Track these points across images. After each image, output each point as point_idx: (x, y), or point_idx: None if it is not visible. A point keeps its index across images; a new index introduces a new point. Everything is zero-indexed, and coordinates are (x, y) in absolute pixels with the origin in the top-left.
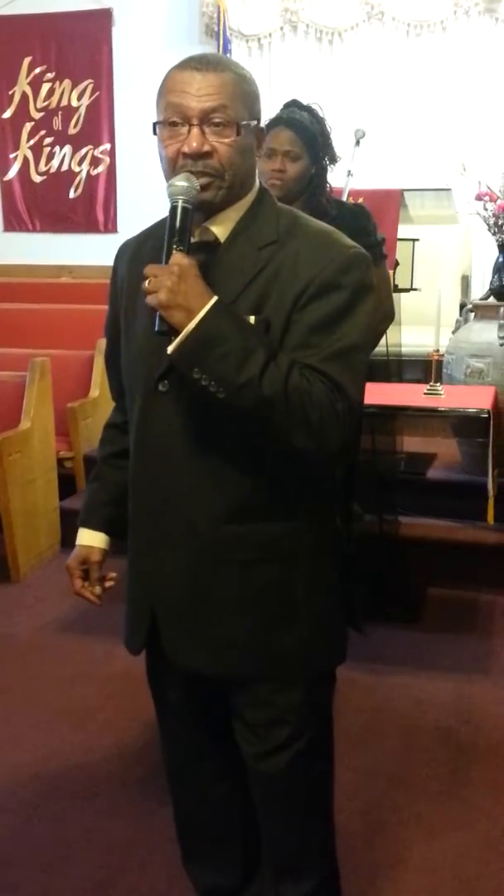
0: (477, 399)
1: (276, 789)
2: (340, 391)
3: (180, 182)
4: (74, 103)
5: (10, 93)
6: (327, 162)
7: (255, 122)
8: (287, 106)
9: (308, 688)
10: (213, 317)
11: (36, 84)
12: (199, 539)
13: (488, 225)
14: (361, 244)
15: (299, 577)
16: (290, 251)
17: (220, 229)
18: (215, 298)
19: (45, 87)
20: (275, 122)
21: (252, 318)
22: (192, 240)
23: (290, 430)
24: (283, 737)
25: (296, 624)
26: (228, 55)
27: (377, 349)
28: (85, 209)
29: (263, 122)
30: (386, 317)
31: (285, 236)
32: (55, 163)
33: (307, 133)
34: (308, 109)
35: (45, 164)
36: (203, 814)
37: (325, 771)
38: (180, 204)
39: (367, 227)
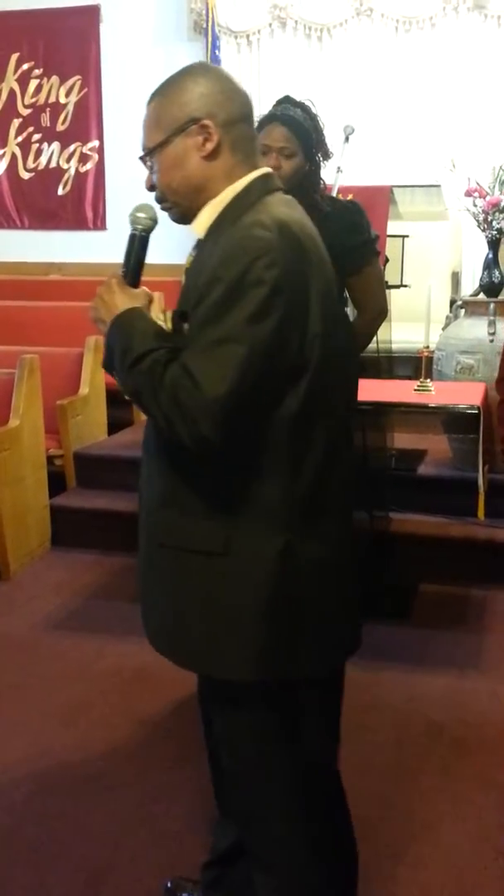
0: (467, 395)
1: (228, 780)
2: (198, 387)
3: (138, 213)
4: (62, 100)
5: None
6: (320, 158)
7: (183, 124)
8: (280, 102)
9: (232, 696)
10: (114, 327)
11: (24, 80)
12: (146, 523)
13: (478, 221)
14: (355, 241)
15: (210, 577)
16: (216, 245)
17: (200, 229)
18: (120, 311)
19: (33, 84)
20: (268, 119)
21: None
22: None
23: (166, 423)
24: (218, 733)
25: (201, 620)
26: (217, 52)
27: (368, 346)
28: (74, 206)
29: (256, 119)
30: (379, 314)
31: (227, 229)
32: (43, 160)
33: (301, 129)
34: (301, 106)
35: (34, 161)
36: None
37: (275, 778)
38: (136, 232)
39: (361, 224)
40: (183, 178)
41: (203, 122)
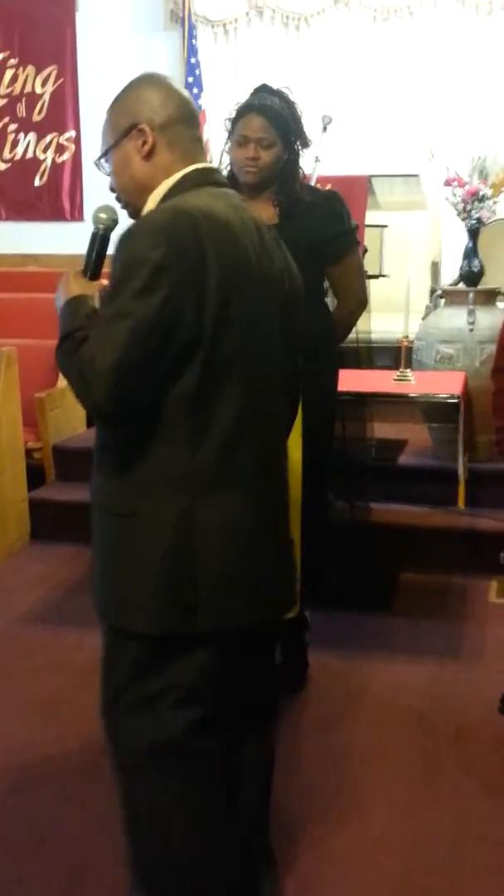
0: (447, 385)
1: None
2: (94, 359)
3: (99, 214)
4: (38, 90)
5: None
6: (299, 147)
7: (125, 130)
8: (257, 91)
9: (126, 649)
10: (61, 312)
11: None
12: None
13: (457, 210)
14: (335, 231)
15: (121, 536)
16: None
17: None
18: (69, 298)
19: (9, 74)
20: (246, 109)
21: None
22: None
23: (76, 393)
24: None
25: (114, 576)
26: (194, 41)
27: (348, 336)
28: (50, 197)
29: (233, 108)
30: (359, 304)
31: None
32: (20, 150)
33: (279, 119)
34: (279, 94)
35: (10, 152)
36: None
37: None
38: (97, 231)
39: (342, 214)
40: (130, 178)
41: (140, 126)
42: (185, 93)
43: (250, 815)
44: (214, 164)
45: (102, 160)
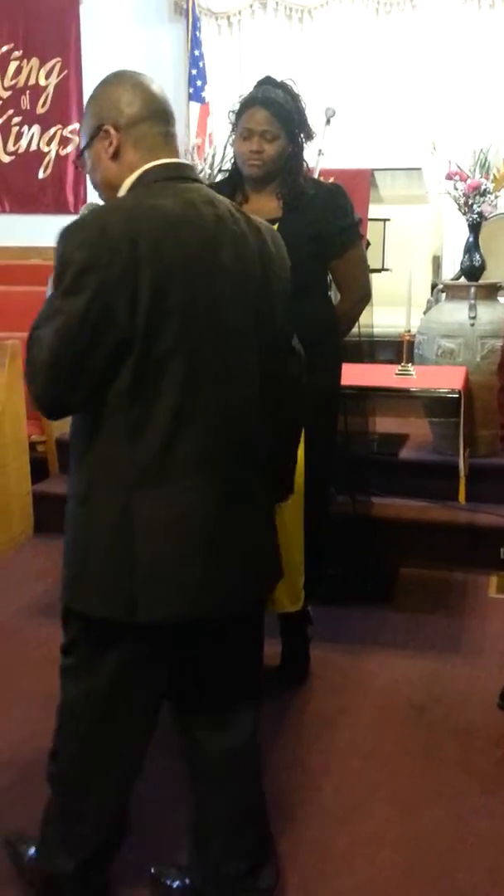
0: (448, 379)
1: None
2: (34, 356)
3: (85, 210)
4: (42, 82)
5: None
6: (303, 139)
7: (93, 131)
8: (261, 84)
9: (71, 624)
10: None
11: (3, 63)
12: None
13: (459, 204)
14: (339, 224)
15: (76, 522)
16: None
17: None
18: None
19: (13, 66)
20: (250, 102)
21: None
22: None
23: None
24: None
25: (70, 558)
26: (197, 34)
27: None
28: (54, 190)
29: (237, 101)
30: (363, 298)
31: None
32: (23, 143)
33: (283, 111)
34: (282, 86)
35: (14, 144)
36: None
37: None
38: None
39: (345, 208)
40: (102, 177)
41: (105, 127)
42: (156, 88)
43: (236, 807)
44: (183, 160)
45: (82, 158)
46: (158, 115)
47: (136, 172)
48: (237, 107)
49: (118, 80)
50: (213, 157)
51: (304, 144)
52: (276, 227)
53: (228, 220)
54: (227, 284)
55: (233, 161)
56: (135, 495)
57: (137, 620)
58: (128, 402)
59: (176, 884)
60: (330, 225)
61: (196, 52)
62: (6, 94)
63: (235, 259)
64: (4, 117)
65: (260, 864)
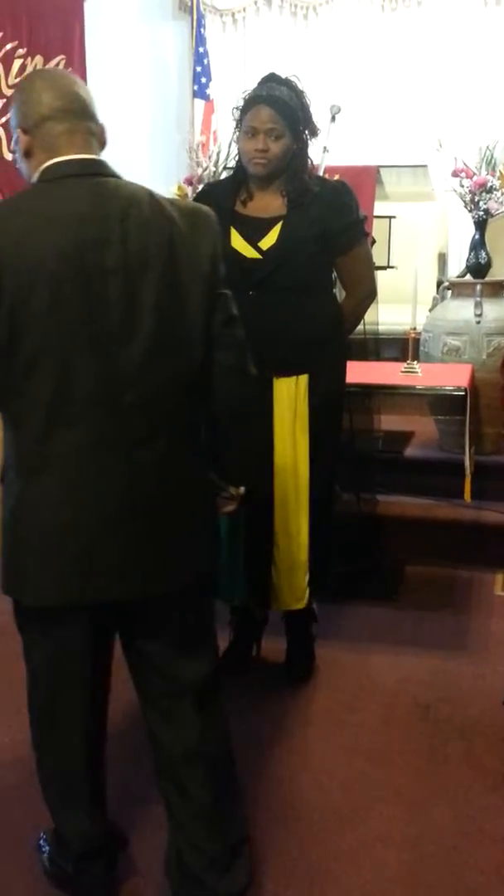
0: (454, 377)
1: None
2: None
3: None
4: None
5: None
6: (308, 136)
7: (18, 136)
8: (265, 81)
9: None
10: None
11: (7, 60)
12: None
13: (465, 202)
14: (344, 222)
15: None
16: None
17: None
18: None
19: (17, 64)
20: (255, 100)
21: None
22: None
23: None
24: None
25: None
26: (202, 31)
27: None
28: None
29: (240, 98)
30: (368, 295)
31: None
32: None
33: (288, 109)
34: (287, 84)
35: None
36: None
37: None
38: None
39: (350, 205)
40: (26, 179)
41: (17, 130)
42: (67, 83)
43: (196, 810)
44: (89, 155)
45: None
46: (66, 112)
47: (37, 173)
48: (241, 104)
49: (29, 83)
50: (218, 154)
51: (309, 142)
52: (280, 224)
53: (132, 213)
54: (111, 283)
55: (237, 159)
56: (24, 485)
57: (26, 601)
58: (7, 400)
59: None
60: (335, 222)
61: (200, 50)
62: (10, 92)
63: (126, 256)
64: (8, 116)
65: (226, 866)
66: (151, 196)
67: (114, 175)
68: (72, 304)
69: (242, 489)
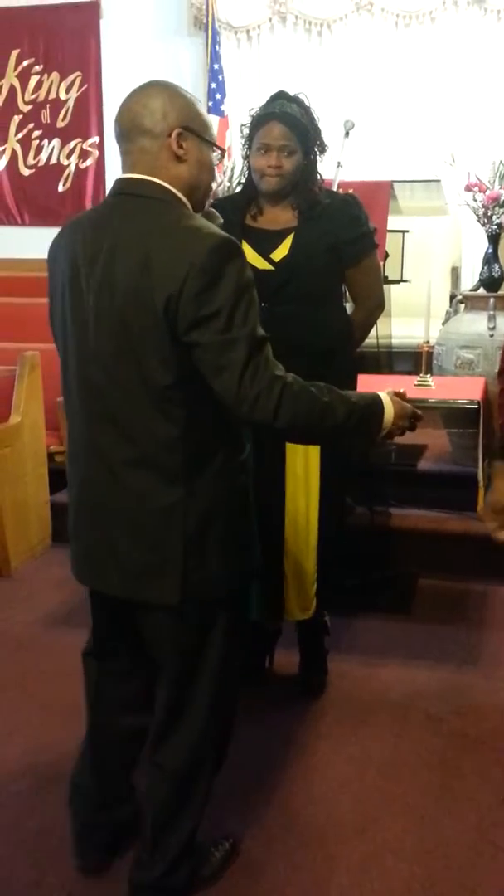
0: (467, 390)
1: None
2: None
3: None
4: (63, 96)
5: None
6: (317, 151)
7: None
8: (274, 98)
9: None
10: None
11: (24, 77)
12: None
13: (478, 216)
14: (354, 234)
15: None
16: None
17: None
18: None
19: (34, 80)
20: (267, 117)
21: None
22: None
23: None
24: None
25: None
26: (217, 47)
27: (368, 341)
28: (74, 202)
29: (250, 115)
30: (377, 307)
31: None
32: (43, 156)
33: (300, 126)
34: (296, 101)
35: (34, 158)
36: None
37: None
38: None
39: (360, 217)
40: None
41: None
42: (123, 106)
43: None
44: (129, 174)
45: None
46: (119, 135)
47: None
48: (250, 120)
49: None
50: (233, 169)
51: (319, 158)
52: (292, 235)
53: (135, 232)
54: (94, 300)
55: (247, 174)
56: None
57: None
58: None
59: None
60: (345, 234)
61: (215, 66)
62: (27, 108)
63: (108, 273)
64: (25, 131)
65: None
66: (151, 224)
67: (139, 194)
68: (74, 319)
69: (384, 428)
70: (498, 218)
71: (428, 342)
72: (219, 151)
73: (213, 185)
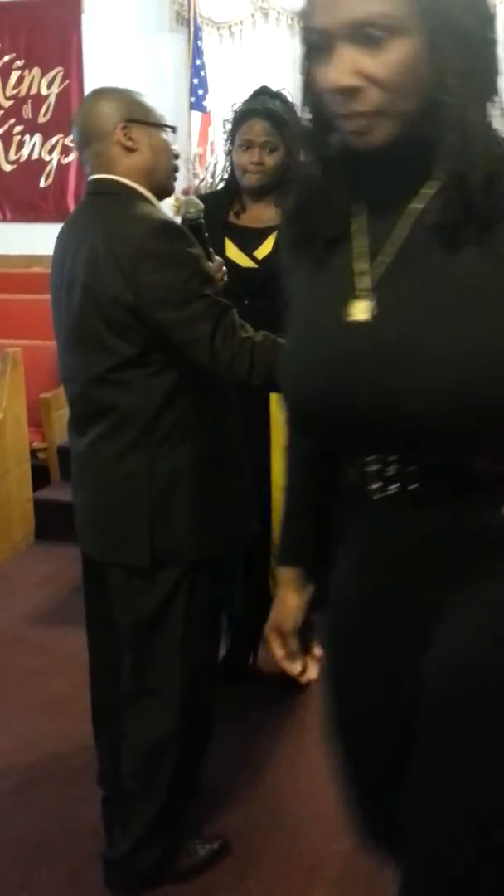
0: None
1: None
2: None
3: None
4: (44, 91)
5: None
6: None
7: None
8: (257, 94)
9: None
10: None
11: (5, 72)
12: None
13: None
14: None
15: None
16: None
17: None
18: None
19: (15, 75)
20: (249, 114)
21: None
22: None
23: None
24: None
25: None
26: (199, 43)
27: None
28: (56, 198)
29: (232, 111)
30: None
31: None
32: (25, 151)
33: (282, 122)
34: (279, 96)
35: (16, 153)
36: None
37: None
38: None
39: None
40: None
41: None
42: (78, 112)
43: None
44: (97, 175)
45: None
46: (77, 147)
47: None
48: (232, 116)
49: None
50: (215, 166)
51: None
52: (275, 234)
53: (86, 230)
54: (66, 292)
55: (229, 171)
56: None
57: None
58: None
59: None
60: None
61: (198, 62)
62: (8, 104)
63: (70, 271)
64: (6, 126)
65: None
66: (109, 225)
67: (99, 192)
68: (59, 309)
69: None
70: None
71: None
72: (170, 130)
73: (195, 182)
